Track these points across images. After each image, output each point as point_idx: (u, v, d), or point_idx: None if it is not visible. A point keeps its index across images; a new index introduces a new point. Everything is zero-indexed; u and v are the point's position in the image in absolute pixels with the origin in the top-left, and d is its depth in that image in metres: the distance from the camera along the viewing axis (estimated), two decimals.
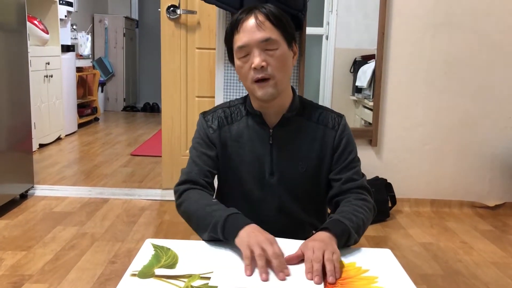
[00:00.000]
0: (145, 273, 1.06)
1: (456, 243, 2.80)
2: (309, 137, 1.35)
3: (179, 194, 1.32)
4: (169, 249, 1.18)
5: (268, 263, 1.05)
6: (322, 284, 1.03)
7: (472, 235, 2.92)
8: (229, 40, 1.32)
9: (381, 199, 3.09)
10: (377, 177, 3.25)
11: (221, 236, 1.16)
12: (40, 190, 3.44)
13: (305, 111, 1.38)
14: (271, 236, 1.10)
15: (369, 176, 3.17)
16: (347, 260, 1.16)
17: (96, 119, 7.02)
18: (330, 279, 1.01)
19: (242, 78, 1.32)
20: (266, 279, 1.00)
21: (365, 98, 3.33)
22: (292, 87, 1.39)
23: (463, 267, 2.46)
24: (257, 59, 1.24)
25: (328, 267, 1.03)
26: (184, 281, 1.02)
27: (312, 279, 1.02)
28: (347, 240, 1.17)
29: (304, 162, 1.34)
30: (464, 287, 2.24)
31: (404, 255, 2.57)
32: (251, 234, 1.09)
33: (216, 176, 1.41)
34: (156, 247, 1.19)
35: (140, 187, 3.65)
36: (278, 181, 1.34)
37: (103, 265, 2.31)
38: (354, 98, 3.39)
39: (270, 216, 1.36)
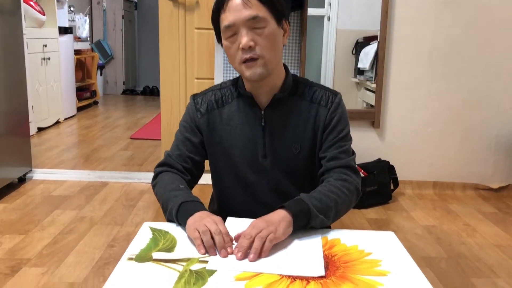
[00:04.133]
0: (143, 257, 1.04)
1: (459, 225, 2.77)
2: (302, 117, 1.32)
3: (154, 176, 1.33)
4: (167, 232, 1.16)
5: (250, 244, 1.05)
6: (323, 269, 1.00)
7: (476, 218, 2.90)
8: (215, 19, 1.27)
9: (383, 181, 3.07)
10: (379, 159, 3.22)
11: (177, 222, 1.17)
12: (39, 174, 3.42)
13: (298, 90, 1.34)
14: (218, 218, 1.10)
15: (371, 158, 3.20)
16: (349, 242, 1.13)
17: (95, 103, 6.98)
18: (250, 256, 1.01)
19: (230, 59, 1.29)
20: (214, 254, 1.02)
21: (367, 80, 3.29)
22: (285, 65, 1.35)
23: (466, 250, 2.44)
24: (244, 39, 1.20)
25: (255, 244, 1.02)
26: (183, 265, 1.00)
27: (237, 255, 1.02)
28: (308, 221, 1.14)
29: (298, 144, 1.31)
30: (467, 270, 2.22)
31: (407, 237, 2.55)
32: (197, 219, 1.10)
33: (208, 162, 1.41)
34: (154, 230, 1.17)
35: (139, 171, 3.61)
36: (271, 163, 1.32)
37: (101, 249, 2.29)
38: (356, 80, 3.35)
39: (266, 198, 1.35)
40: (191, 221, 1.10)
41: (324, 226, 1.19)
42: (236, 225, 1.14)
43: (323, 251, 1.08)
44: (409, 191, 3.33)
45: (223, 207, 1.44)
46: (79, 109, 6.24)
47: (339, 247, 1.11)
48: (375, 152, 3.26)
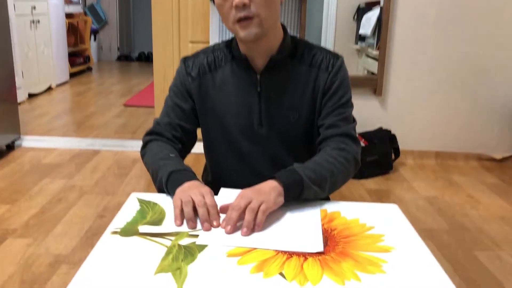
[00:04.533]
0: (128, 230, 0.98)
1: (462, 197, 2.73)
2: (300, 82, 1.25)
3: (143, 145, 1.29)
4: (156, 204, 1.11)
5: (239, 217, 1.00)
6: (321, 244, 0.94)
7: (479, 189, 2.86)
8: None
9: (384, 151, 3.03)
10: (380, 128, 3.17)
11: (167, 192, 1.13)
12: (28, 141, 3.35)
13: (297, 53, 1.27)
14: (206, 189, 1.06)
15: (372, 127, 3.14)
16: (349, 216, 1.08)
17: (89, 69, 6.90)
18: (244, 230, 0.96)
19: (223, 19, 1.21)
20: (193, 227, 0.98)
21: (368, 47, 3.23)
22: (283, 26, 1.27)
23: (469, 222, 2.40)
24: None
25: (246, 216, 0.97)
26: (171, 239, 0.94)
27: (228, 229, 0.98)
28: (301, 193, 1.09)
29: (296, 111, 1.25)
30: (470, 242, 2.18)
31: (408, 209, 2.52)
32: (184, 189, 1.06)
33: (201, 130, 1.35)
34: (142, 202, 1.12)
35: (132, 138, 3.55)
36: (268, 132, 1.27)
37: (91, 219, 2.24)
38: (357, 47, 3.29)
39: (262, 169, 1.29)
40: (178, 190, 1.06)
41: (319, 198, 1.14)
42: (230, 197, 1.08)
43: (322, 225, 1.03)
44: (411, 161, 3.28)
45: (217, 178, 1.38)
46: (72, 75, 6.17)
47: (339, 220, 1.05)
48: (377, 121, 3.21)
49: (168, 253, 0.89)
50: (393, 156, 3.12)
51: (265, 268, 0.85)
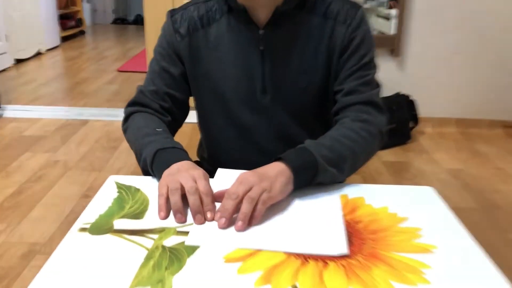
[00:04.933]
0: (100, 226, 0.83)
1: (490, 169, 2.60)
2: (312, 39, 1.13)
3: (125, 118, 1.18)
4: (138, 190, 0.97)
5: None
6: (346, 245, 0.78)
7: (508, 161, 2.73)
8: None
9: (402, 118, 2.93)
10: (398, 93, 3.07)
11: (153, 175, 1.01)
12: (10, 111, 3.24)
13: (308, 2, 1.13)
14: (199, 172, 0.92)
15: (389, 92, 3.06)
16: (376, 203, 0.93)
17: (82, 32, 6.83)
18: (238, 224, 0.83)
19: None
20: (181, 221, 0.85)
21: (379, 6, 3.14)
22: None
23: (500, 199, 2.25)
24: None
25: (243, 207, 0.84)
26: (153, 239, 0.79)
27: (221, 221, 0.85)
28: (314, 177, 0.96)
29: (307, 74, 1.14)
30: (504, 223, 2.04)
31: (430, 185, 2.32)
32: (172, 171, 0.93)
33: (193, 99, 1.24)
34: (121, 187, 0.98)
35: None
36: (273, 100, 1.15)
37: (74, 200, 2.11)
38: (366, 6, 3.19)
39: (267, 145, 1.20)
40: (165, 174, 0.93)
41: (336, 182, 1.01)
42: (229, 180, 0.94)
43: (344, 216, 0.89)
44: (429, 129, 3.19)
45: (214, 155, 1.28)
46: (64, 39, 6.10)
47: (364, 209, 0.91)
48: (394, 85, 3.12)
49: (148, 258, 0.74)
50: (411, 124, 3.03)
51: (274, 279, 0.70)
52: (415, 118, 3.04)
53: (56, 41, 5.74)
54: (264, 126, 1.18)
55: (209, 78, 1.16)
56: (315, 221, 0.86)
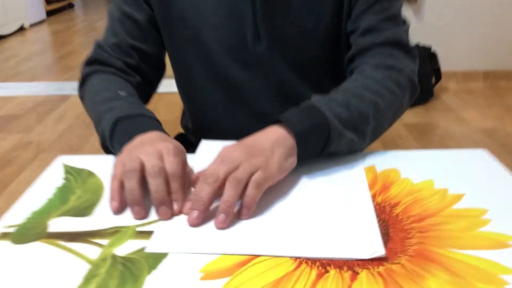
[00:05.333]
0: (28, 231, 0.63)
1: None
2: None
3: (81, 80, 1.03)
4: (91, 174, 0.78)
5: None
6: (381, 242, 0.58)
7: None
8: None
9: (423, 73, 2.84)
10: (417, 45, 2.96)
11: (113, 151, 0.85)
12: None
13: None
14: (170, 145, 0.74)
15: None
16: (415, 176, 0.74)
17: (71, 6, 6.73)
18: (219, 218, 0.63)
19: None
20: (139, 217, 0.66)
21: None
22: None
23: None
24: None
25: (225, 194, 0.64)
26: (103, 245, 0.59)
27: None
28: (326, 145, 0.78)
29: (312, 13, 0.99)
30: None
31: (462, 147, 2.25)
32: (136, 145, 0.75)
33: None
34: (70, 171, 0.79)
35: None
36: (269, 49, 1.00)
37: None
38: None
39: (264, 107, 1.04)
40: (125, 149, 0.77)
41: (354, 151, 0.84)
42: (214, 154, 0.75)
43: (373, 198, 0.68)
44: (453, 84, 3.07)
45: (199, 125, 1.14)
46: (50, 13, 6.05)
47: (401, 186, 0.71)
48: (412, 35, 2.87)
49: (90, 277, 0.53)
50: (433, 80, 2.93)
51: None
52: (437, 73, 2.94)
53: (41, 15, 5.67)
54: (259, 83, 1.02)
55: (184, 23, 1.01)
56: (331, 208, 0.66)
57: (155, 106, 2.51)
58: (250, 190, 0.65)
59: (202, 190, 0.64)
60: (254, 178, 0.66)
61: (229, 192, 0.64)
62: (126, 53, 1.02)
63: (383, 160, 0.78)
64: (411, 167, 0.76)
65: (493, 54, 3.15)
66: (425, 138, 2.38)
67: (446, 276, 0.51)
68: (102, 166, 0.79)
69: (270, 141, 0.73)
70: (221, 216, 0.62)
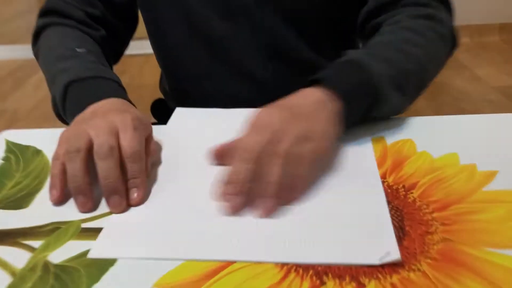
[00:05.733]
0: None
1: None
2: None
3: (35, 34, 0.94)
4: (38, 152, 0.68)
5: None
6: (395, 244, 0.47)
7: None
8: None
9: None
10: None
11: (68, 122, 0.77)
12: None
13: None
14: (129, 117, 0.63)
15: None
16: (435, 150, 0.63)
17: None
18: (265, 206, 0.53)
19: None
20: (85, 209, 0.55)
21: None
22: None
23: None
24: None
25: (270, 175, 0.55)
26: (35, 249, 0.49)
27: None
28: (372, 106, 0.69)
29: None
30: None
31: (478, 108, 2.19)
32: (86, 116, 0.65)
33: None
34: (12, 149, 0.69)
35: None
36: None
37: None
38: None
39: (251, 64, 0.94)
40: (74, 121, 0.67)
41: (395, 114, 0.76)
42: (193, 127, 0.69)
43: (383, 181, 0.57)
44: (467, 39, 3.01)
45: (177, 87, 1.04)
46: None
47: (417, 161, 0.61)
48: None
49: None
50: None
51: None
52: None
53: None
54: (245, 38, 0.92)
55: None
56: (328, 197, 0.55)
57: (141, 69, 2.47)
58: (300, 169, 0.56)
59: (239, 172, 0.55)
60: (304, 152, 0.57)
61: (275, 170, 0.54)
62: (88, 2, 0.94)
63: (393, 129, 0.68)
64: (429, 137, 0.66)
65: (509, 5, 3.10)
66: (437, 99, 2.33)
67: (480, 284, 0.41)
68: (55, 142, 0.65)
69: (311, 104, 0.63)
70: (269, 202, 0.52)
